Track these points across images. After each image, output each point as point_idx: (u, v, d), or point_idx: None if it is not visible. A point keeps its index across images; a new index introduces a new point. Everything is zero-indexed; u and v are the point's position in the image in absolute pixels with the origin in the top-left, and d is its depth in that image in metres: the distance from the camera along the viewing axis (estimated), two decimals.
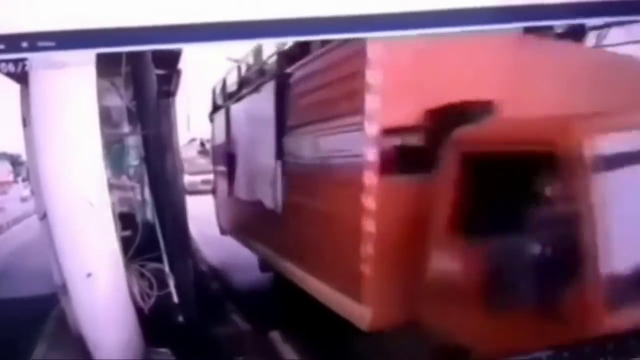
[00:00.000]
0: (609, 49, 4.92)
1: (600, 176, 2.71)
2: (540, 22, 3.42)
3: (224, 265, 8.74)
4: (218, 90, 9.32)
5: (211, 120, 9.77)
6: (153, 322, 4.39)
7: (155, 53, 4.31)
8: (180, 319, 4.72)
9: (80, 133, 3.85)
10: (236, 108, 7.97)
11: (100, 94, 4.07)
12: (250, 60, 7.49)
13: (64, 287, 4.02)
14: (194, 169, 11.45)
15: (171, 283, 4.62)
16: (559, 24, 4.23)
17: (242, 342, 5.50)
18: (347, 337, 5.09)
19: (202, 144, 12.47)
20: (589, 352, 2.14)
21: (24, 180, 9.89)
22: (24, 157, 5.89)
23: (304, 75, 5.03)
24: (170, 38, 3.31)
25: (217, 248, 10.05)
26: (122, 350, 4.04)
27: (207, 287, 7.08)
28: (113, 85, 4.53)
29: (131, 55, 4.20)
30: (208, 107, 9.95)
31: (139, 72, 4.44)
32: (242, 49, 7.27)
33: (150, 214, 4.80)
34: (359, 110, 3.78)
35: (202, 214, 9.32)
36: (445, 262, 3.52)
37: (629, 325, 2.53)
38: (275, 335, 5.71)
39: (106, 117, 4.43)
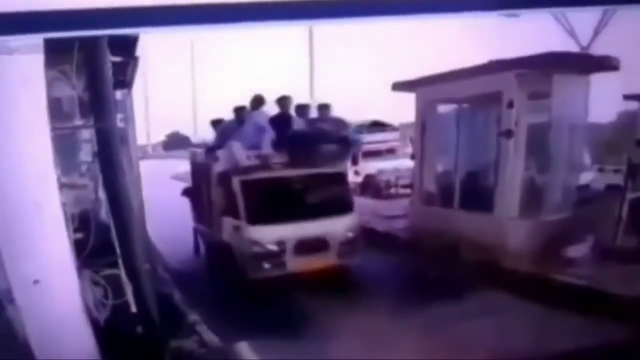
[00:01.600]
0: None
1: None
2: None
3: (186, 271, 8.79)
4: None
5: None
6: (109, 334, 4.36)
7: (110, 39, 4.31)
8: (139, 330, 4.67)
9: (27, 126, 3.83)
10: None
11: (50, 83, 4.06)
12: None
13: (9, 295, 4.00)
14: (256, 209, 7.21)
15: (128, 291, 4.60)
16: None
17: (207, 355, 5.53)
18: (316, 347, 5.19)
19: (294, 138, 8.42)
20: None
21: None
22: None
23: None
24: (127, 22, 3.33)
25: (179, 251, 10.05)
26: None
27: (169, 295, 7.07)
28: (64, 74, 4.49)
29: (84, 41, 4.19)
30: None
31: (93, 59, 4.36)
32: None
33: (104, 214, 4.78)
34: None
35: None
36: None
37: None
38: (243, 347, 5.76)
39: (56, 108, 4.39)
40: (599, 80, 8.86)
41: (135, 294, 4.61)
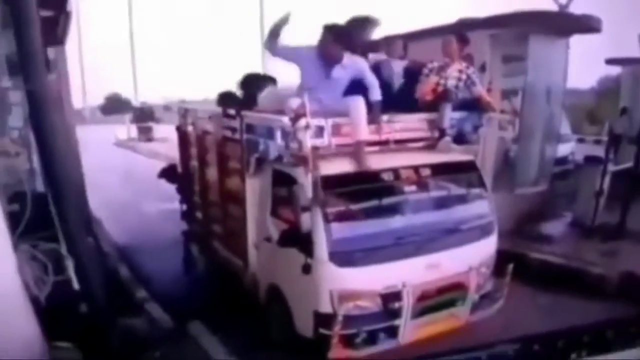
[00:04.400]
0: None
1: None
2: None
3: (133, 245, 8.86)
4: None
5: None
6: (51, 313, 4.39)
7: None
8: (83, 308, 4.75)
9: None
10: None
11: None
12: None
13: None
14: None
15: (70, 266, 4.64)
16: None
17: (158, 334, 5.63)
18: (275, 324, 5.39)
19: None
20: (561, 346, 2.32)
21: None
22: None
23: None
24: None
25: (124, 224, 10.10)
26: (14, 346, 4.01)
27: (114, 271, 7.16)
28: None
29: None
30: None
31: (19, 13, 4.26)
32: None
33: (40, 184, 4.81)
34: None
35: None
36: None
37: None
38: (196, 326, 5.95)
39: None
40: (578, 42, 8.99)
41: (78, 269, 4.64)
